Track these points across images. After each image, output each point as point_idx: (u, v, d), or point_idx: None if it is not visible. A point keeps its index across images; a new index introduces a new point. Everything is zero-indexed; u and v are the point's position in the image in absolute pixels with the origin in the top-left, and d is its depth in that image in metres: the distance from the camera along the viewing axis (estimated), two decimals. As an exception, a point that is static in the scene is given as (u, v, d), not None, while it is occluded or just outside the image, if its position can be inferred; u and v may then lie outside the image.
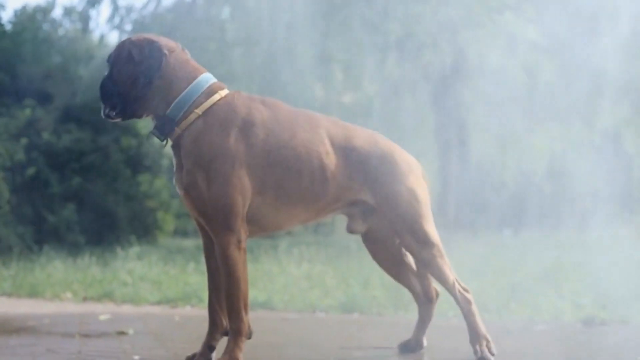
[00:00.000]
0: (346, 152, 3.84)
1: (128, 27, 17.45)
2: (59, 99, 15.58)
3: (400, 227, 3.92)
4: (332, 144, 3.81)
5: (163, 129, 3.67)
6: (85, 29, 18.31)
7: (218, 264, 3.62)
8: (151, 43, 3.67)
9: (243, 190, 3.58)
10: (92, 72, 15.49)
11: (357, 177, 3.85)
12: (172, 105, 3.64)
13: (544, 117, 14.93)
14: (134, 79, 3.64)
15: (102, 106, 3.71)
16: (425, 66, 15.10)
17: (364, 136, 3.95)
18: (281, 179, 3.68)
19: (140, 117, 3.74)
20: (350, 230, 4.07)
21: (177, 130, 3.64)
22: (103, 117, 3.74)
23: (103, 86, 3.71)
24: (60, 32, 18.31)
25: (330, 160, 3.78)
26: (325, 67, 15.79)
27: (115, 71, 3.69)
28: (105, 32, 19.88)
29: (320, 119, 3.89)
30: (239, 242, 3.58)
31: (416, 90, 15.37)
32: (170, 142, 3.70)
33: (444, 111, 15.29)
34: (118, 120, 3.74)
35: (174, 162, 3.71)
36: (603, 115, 14.86)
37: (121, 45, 3.73)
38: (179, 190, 3.70)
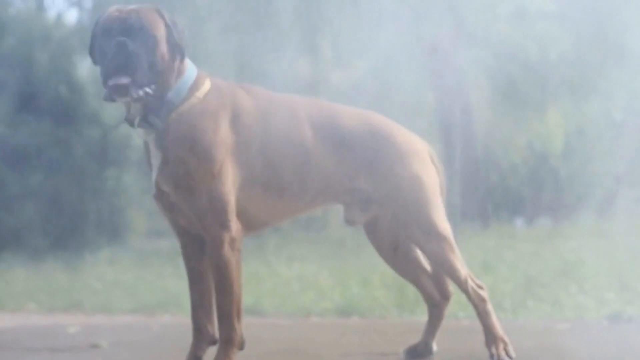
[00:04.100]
0: (331, 134, 3.85)
1: (88, 4, 17.38)
2: (13, 87, 15.51)
3: (404, 216, 3.93)
4: (313, 126, 3.82)
5: (161, 114, 3.56)
6: (40, 8, 18.24)
7: (209, 265, 3.61)
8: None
9: (235, 183, 3.59)
10: (50, 56, 15.44)
11: (348, 162, 3.86)
12: (176, 86, 3.58)
13: (558, 92, 14.94)
14: (167, 53, 3.56)
15: (129, 83, 3.43)
16: (423, 38, 15.08)
17: (353, 115, 3.96)
18: (266, 170, 3.69)
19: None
20: (348, 221, 4.07)
21: (173, 116, 3.58)
22: (134, 97, 3.46)
23: (135, 56, 3.46)
24: (12, 11, 18.23)
25: (313, 144, 3.79)
26: (311, 41, 15.76)
27: (144, 41, 3.50)
28: (63, 10, 19.80)
29: (298, 101, 3.91)
30: (233, 241, 3.58)
31: (414, 65, 15.35)
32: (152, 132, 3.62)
33: (447, 89, 15.28)
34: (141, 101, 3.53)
35: (157, 154, 3.60)
36: (623, 89, 14.87)
37: (147, 12, 3.56)
38: (165, 186, 3.60)
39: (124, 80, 3.43)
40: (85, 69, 17.36)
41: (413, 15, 14.97)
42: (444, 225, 3.99)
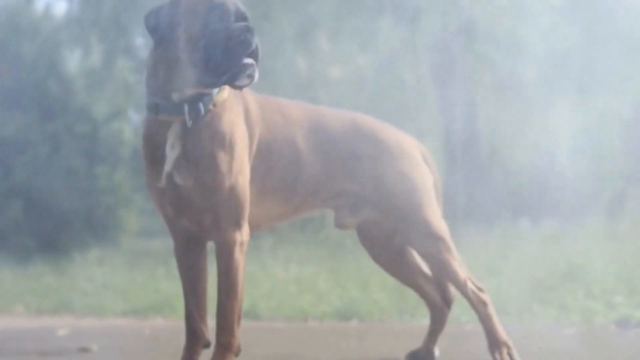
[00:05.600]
0: (316, 136, 3.89)
1: (78, -5, 17.37)
2: (-1, 81, 15.52)
3: (396, 218, 3.95)
4: (301, 128, 3.87)
5: (207, 104, 3.57)
6: (27, -1, 18.25)
7: (218, 269, 3.60)
8: None
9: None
10: (38, 48, 15.44)
11: (335, 164, 3.91)
12: None
13: (565, 88, 14.94)
14: None
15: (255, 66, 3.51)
16: (425, 33, 15.08)
17: (338, 117, 4.01)
18: (261, 170, 3.73)
19: None
20: (339, 225, 4.08)
21: (209, 108, 3.57)
22: (255, 80, 3.53)
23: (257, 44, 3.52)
24: (-2, 2, 18.25)
25: (301, 146, 3.84)
26: (308, 36, 15.76)
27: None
28: (51, 1, 19.79)
29: (285, 103, 3.95)
30: (242, 244, 3.60)
31: (416, 61, 15.35)
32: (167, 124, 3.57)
33: (449, 85, 15.28)
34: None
35: (178, 145, 3.55)
36: (632, 85, 14.88)
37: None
38: (182, 180, 3.54)
39: (254, 62, 3.48)
40: (74, 62, 17.36)
41: (414, 8, 14.98)
42: (439, 225, 3.99)
